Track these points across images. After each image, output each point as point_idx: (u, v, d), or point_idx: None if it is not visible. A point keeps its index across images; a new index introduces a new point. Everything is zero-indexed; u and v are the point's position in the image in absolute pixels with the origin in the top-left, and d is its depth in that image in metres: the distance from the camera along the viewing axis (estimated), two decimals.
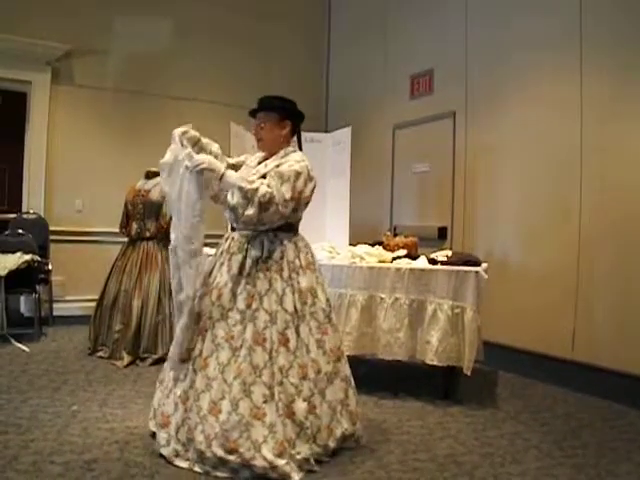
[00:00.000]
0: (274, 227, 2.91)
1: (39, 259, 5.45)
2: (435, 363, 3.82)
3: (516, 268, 4.91)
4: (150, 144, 6.33)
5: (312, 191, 2.98)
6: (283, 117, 3.05)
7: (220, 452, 2.62)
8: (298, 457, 2.68)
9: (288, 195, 2.81)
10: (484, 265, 4.04)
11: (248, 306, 2.82)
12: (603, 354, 4.16)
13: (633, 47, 4.07)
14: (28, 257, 5.25)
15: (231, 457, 2.61)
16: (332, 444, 2.86)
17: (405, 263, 4.10)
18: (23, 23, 6.03)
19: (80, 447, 2.89)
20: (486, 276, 3.88)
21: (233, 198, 2.79)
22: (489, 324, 4.32)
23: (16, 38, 5.94)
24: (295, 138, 3.18)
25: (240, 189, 2.77)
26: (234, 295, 2.86)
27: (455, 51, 5.66)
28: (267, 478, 2.59)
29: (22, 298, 6.10)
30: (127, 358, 4.64)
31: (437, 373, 4.04)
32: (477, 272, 3.85)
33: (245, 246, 2.93)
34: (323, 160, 5.97)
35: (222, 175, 2.80)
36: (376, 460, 2.89)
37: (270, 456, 2.59)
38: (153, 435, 2.97)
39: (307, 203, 3.00)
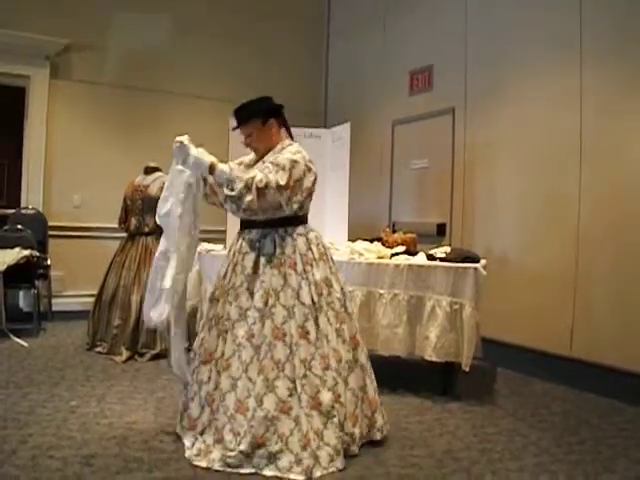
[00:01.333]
0: (280, 219, 2.91)
1: (38, 254, 5.45)
2: (434, 359, 3.83)
3: (515, 265, 4.91)
4: (149, 140, 6.36)
5: (314, 182, 2.97)
6: (265, 119, 3.02)
7: (248, 449, 2.64)
8: (327, 448, 2.69)
9: (283, 181, 2.79)
10: (483, 262, 4.04)
11: (265, 303, 2.83)
12: (602, 351, 4.16)
13: (634, 40, 4.05)
14: (27, 252, 5.24)
15: (259, 452, 2.64)
16: (357, 431, 2.88)
17: (404, 259, 4.10)
18: (22, 18, 6.01)
19: (78, 442, 2.90)
20: (485, 273, 3.88)
21: (233, 189, 2.79)
22: (488, 321, 4.32)
23: (15, 33, 5.92)
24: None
25: (238, 178, 2.79)
26: (251, 294, 2.87)
27: (454, 47, 5.65)
28: (290, 473, 2.61)
29: (21, 293, 6.11)
30: (126, 353, 4.64)
31: (435, 369, 4.05)
32: (476, 268, 3.85)
33: (257, 244, 2.94)
34: (322, 156, 5.95)
35: (212, 167, 2.83)
36: (374, 455, 2.90)
37: (296, 449, 2.63)
38: (178, 437, 2.98)
39: (311, 194, 2.99)
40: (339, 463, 2.70)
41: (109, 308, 4.89)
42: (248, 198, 2.76)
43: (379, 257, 4.19)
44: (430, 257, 4.13)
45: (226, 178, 2.81)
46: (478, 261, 3.99)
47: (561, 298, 4.47)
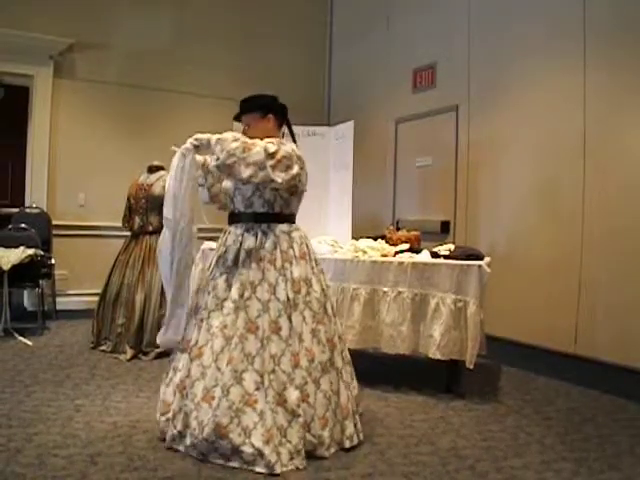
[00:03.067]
0: (264, 215, 2.97)
1: (42, 253, 5.45)
2: (438, 357, 3.82)
3: (519, 262, 4.89)
4: (153, 138, 6.37)
5: (298, 174, 2.93)
6: (264, 113, 3.12)
7: (212, 437, 2.69)
8: (289, 446, 2.70)
9: (271, 149, 2.81)
10: (487, 259, 4.04)
11: (241, 296, 2.88)
12: (606, 348, 4.15)
13: (639, 36, 4.04)
14: (31, 251, 5.25)
15: (222, 442, 2.67)
16: (327, 435, 2.83)
17: (408, 257, 4.09)
18: (25, 17, 6.02)
19: (83, 441, 2.90)
20: (489, 270, 3.87)
21: (221, 136, 2.84)
22: (492, 318, 4.32)
23: (18, 32, 5.92)
24: (287, 131, 3.24)
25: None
26: (229, 286, 2.92)
27: (458, 44, 5.64)
28: (254, 466, 2.63)
29: (25, 292, 6.14)
30: (130, 352, 4.65)
31: (440, 367, 4.05)
32: (480, 266, 3.84)
33: (240, 238, 2.99)
34: (326, 154, 5.95)
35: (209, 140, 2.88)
36: (379, 453, 2.90)
37: (258, 443, 2.64)
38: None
39: (296, 192, 3.01)
40: (298, 462, 2.69)
41: (113, 307, 4.89)
42: (233, 145, 2.77)
43: (383, 255, 4.19)
44: (434, 255, 4.12)
45: (217, 136, 2.86)
46: (482, 259, 3.99)
47: (565, 295, 4.46)
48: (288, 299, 2.88)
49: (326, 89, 7.82)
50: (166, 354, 4.64)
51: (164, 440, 2.89)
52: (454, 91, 5.64)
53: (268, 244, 2.95)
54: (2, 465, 2.56)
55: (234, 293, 2.89)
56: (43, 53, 6.18)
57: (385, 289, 4.02)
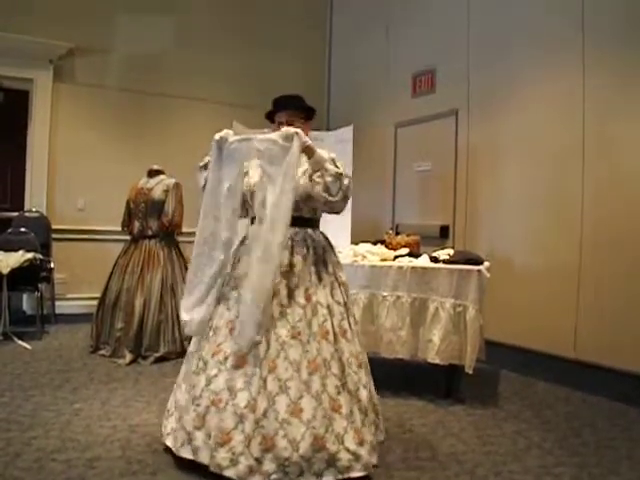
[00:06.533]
0: (306, 220, 2.96)
1: (41, 257, 5.45)
2: (437, 362, 3.82)
3: (518, 267, 4.90)
4: (152, 143, 6.38)
5: None
6: (309, 118, 3.11)
7: (308, 453, 2.51)
8: (366, 444, 2.69)
9: (346, 181, 2.79)
10: (486, 264, 4.04)
11: (308, 300, 2.81)
12: (605, 353, 4.15)
13: (636, 44, 4.05)
14: (30, 255, 5.25)
15: (319, 455, 2.53)
16: (374, 426, 2.90)
17: (407, 262, 4.10)
18: (25, 21, 6.03)
19: (82, 445, 2.90)
20: (488, 275, 3.88)
21: (338, 167, 2.77)
22: (491, 323, 4.32)
23: (18, 36, 5.94)
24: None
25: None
26: (290, 292, 2.80)
27: (457, 49, 5.65)
28: (350, 472, 2.57)
29: (24, 296, 6.13)
30: (129, 356, 4.64)
31: (439, 372, 4.04)
32: (479, 271, 3.85)
33: (289, 242, 2.86)
34: None
35: (314, 152, 2.76)
36: (378, 458, 2.87)
37: (353, 447, 2.60)
38: (183, 461, 2.70)
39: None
40: (374, 459, 2.72)
41: (112, 311, 4.89)
42: (345, 182, 2.77)
43: (382, 259, 4.19)
44: (433, 259, 4.12)
45: (328, 158, 2.79)
46: (481, 263, 3.99)
47: (564, 300, 4.46)
48: (345, 302, 2.93)
49: (326, 94, 7.83)
50: (165, 359, 4.65)
51: (222, 477, 2.52)
52: (453, 96, 5.65)
53: (318, 249, 2.95)
54: (1, 469, 2.56)
55: (299, 298, 2.79)
56: (43, 57, 6.19)
57: (384, 294, 4.02)
